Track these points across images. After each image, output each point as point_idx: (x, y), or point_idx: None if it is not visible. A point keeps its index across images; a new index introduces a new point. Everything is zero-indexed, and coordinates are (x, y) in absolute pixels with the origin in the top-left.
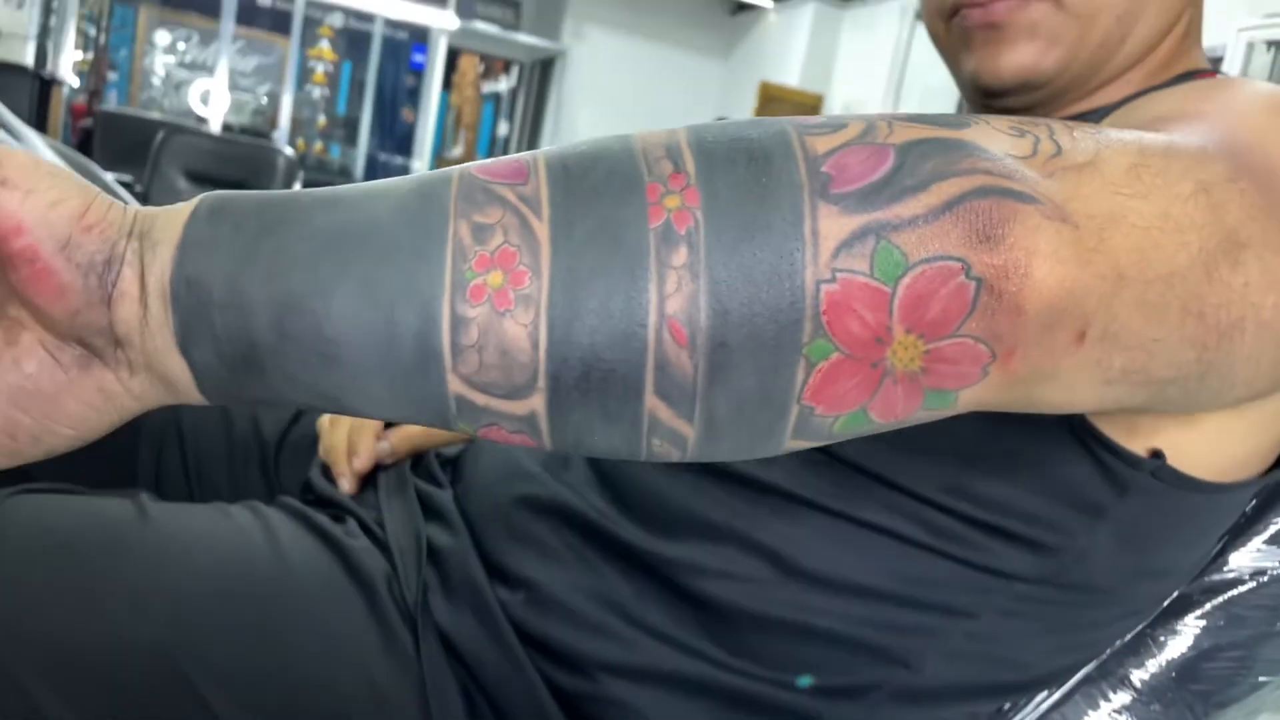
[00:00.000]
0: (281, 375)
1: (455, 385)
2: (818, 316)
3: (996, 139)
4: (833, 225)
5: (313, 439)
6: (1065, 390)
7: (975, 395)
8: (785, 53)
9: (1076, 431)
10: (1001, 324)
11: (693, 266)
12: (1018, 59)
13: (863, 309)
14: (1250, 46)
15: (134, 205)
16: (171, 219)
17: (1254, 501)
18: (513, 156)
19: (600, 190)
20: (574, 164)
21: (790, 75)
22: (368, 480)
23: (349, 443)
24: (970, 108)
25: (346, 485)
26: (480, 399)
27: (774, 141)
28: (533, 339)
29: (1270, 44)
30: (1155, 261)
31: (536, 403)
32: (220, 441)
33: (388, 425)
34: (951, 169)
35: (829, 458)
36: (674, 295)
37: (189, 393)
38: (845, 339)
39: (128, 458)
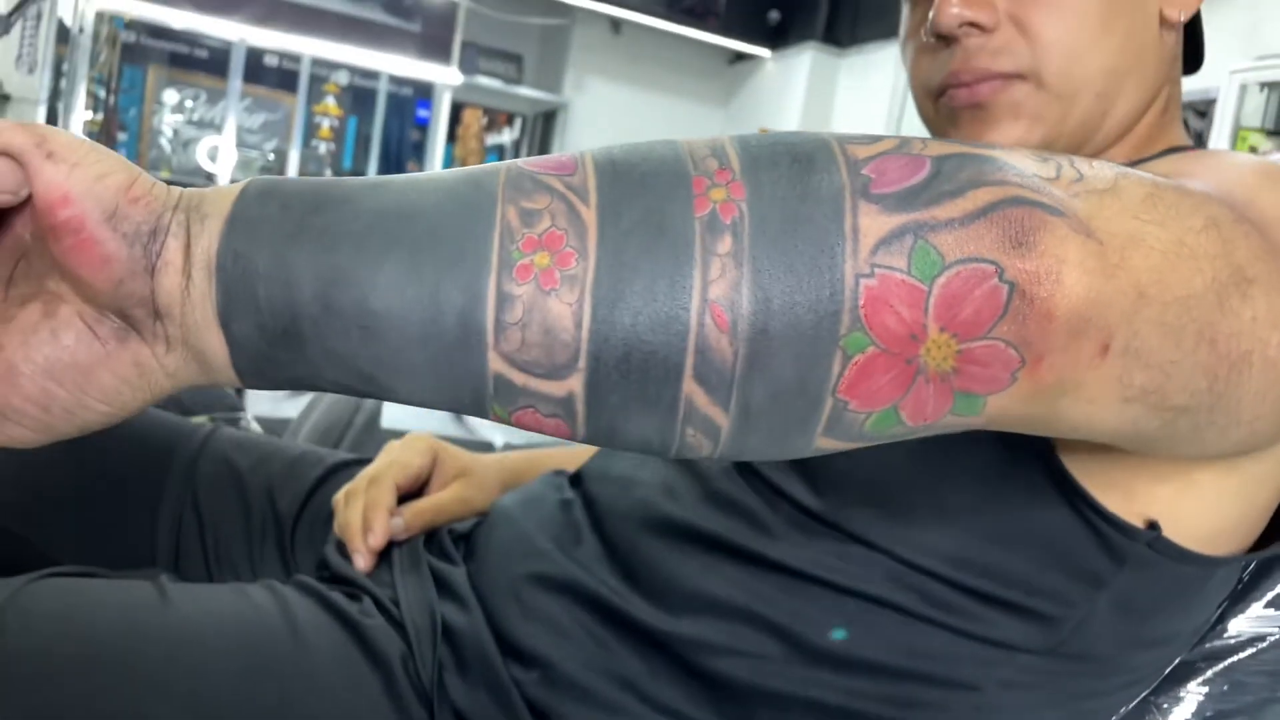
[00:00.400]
0: (321, 349)
1: (496, 363)
2: (856, 310)
3: (1023, 160)
4: (873, 223)
5: (328, 515)
6: (1087, 405)
7: (1002, 404)
8: (784, 100)
9: (1073, 500)
10: (1032, 329)
11: (737, 255)
12: (1002, 138)
13: (899, 305)
14: (1243, 88)
15: (172, 186)
16: (221, 196)
17: (1251, 567)
18: (558, 154)
19: (647, 182)
20: (620, 159)
21: (789, 122)
22: (382, 556)
23: (364, 519)
24: None
25: (361, 562)
26: (519, 378)
27: (815, 145)
28: (576, 318)
29: (1264, 85)
30: (1173, 284)
31: (575, 384)
32: (237, 519)
33: (402, 501)
34: (985, 178)
35: (835, 530)
36: (717, 281)
37: (223, 370)
38: (881, 333)
39: (147, 537)
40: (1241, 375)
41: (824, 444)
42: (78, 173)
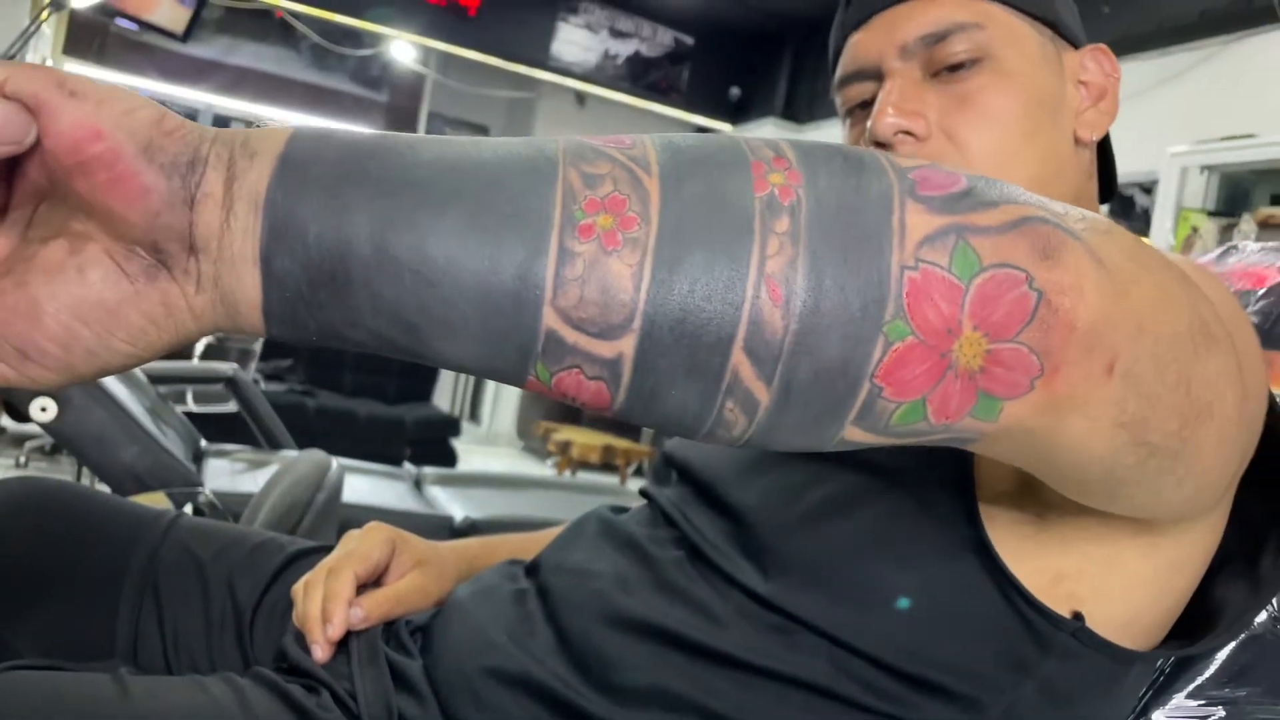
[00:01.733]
0: (368, 294)
1: (550, 318)
2: (900, 298)
3: (1035, 200)
4: (919, 220)
5: (287, 605)
6: (1087, 423)
7: (1016, 413)
8: None
9: (1005, 590)
10: (1054, 338)
11: (794, 235)
12: None
13: (940, 299)
14: (1184, 170)
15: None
16: (271, 135)
17: (1172, 660)
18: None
19: (707, 160)
20: (678, 140)
21: None
22: (340, 647)
23: (323, 610)
24: None
25: (320, 653)
26: (571, 336)
27: (862, 151)
28: (636, 280)
29: (1204, 168)
30: (1164, 321)
31: (627, 345)
32: (196, 609)
33: (361, 590)
34: (1013, 198)
35: (782, 615)
36: (775, 257)
37: (250, 314)
38: (921, 324)
39: (107, 626)
40: (1203, 424)
41: (852, 434)
42: (105, 108)
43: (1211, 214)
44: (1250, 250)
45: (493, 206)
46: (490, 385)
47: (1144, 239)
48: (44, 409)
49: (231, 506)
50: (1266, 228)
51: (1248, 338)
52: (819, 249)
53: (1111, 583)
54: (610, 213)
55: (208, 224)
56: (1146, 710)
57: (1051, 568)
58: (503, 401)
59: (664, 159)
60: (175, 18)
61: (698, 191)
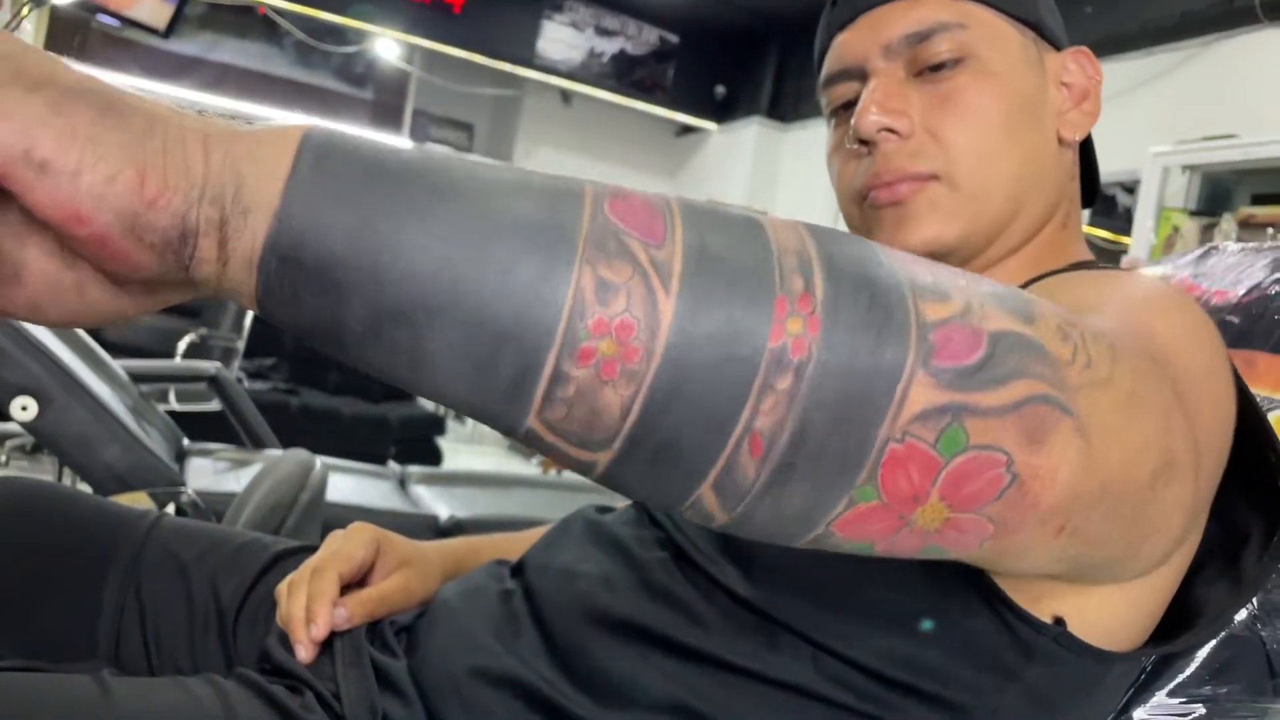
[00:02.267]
0: (360, 363)
1: (534, 422)
2: (876, 468)
3: (1053, 340)
4: (922, 394)
5: (271, 606)
6: (1025, 564)
7: (961, 556)
8: (730, 172)
9: (990, 599)
10: (1015, 513)
11: (793, 394)
12: (922, 233)
13: (915, 471)
14: (1165, 170)
15: (191, 142)
16: (266, 180)
17: (1154, 659)
18: (650, 200)
19: (733, 285)
20: (711, 242)
21: (736, 193)
22: (324, 647)
23: (307, 610)
24: None
25: (304, 654)
26: (550, 438)
27: (894, 294)
28: (625, 409)
29: (1185, 167)
30: (1130, 478)
31: (603, 458)
32: (180, 610)
33: (345, 590)
34: (1027, 369)
35: (766, 619)
36: (766, 415)
37: (249, 303)
38: (890, 491)
39: (89, 628)
40: (1149, 544)
41: (803, 546)
42: (82, 183)
43: (1193, 213)
44: (1231, 250)
45: (494, 310)
46: None
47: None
48: (24, 408)
49: (214, 506)
50: (1247, 227)
51: (1208, 367)
52: (812, 415)
53: (1091, 603)
54: (616, 339)
55: (205, 277)
56: (1128, 708)
57: (1032, 589)
58: None
59: (688, 270)
60: (157, 14)
61: (710, 331)
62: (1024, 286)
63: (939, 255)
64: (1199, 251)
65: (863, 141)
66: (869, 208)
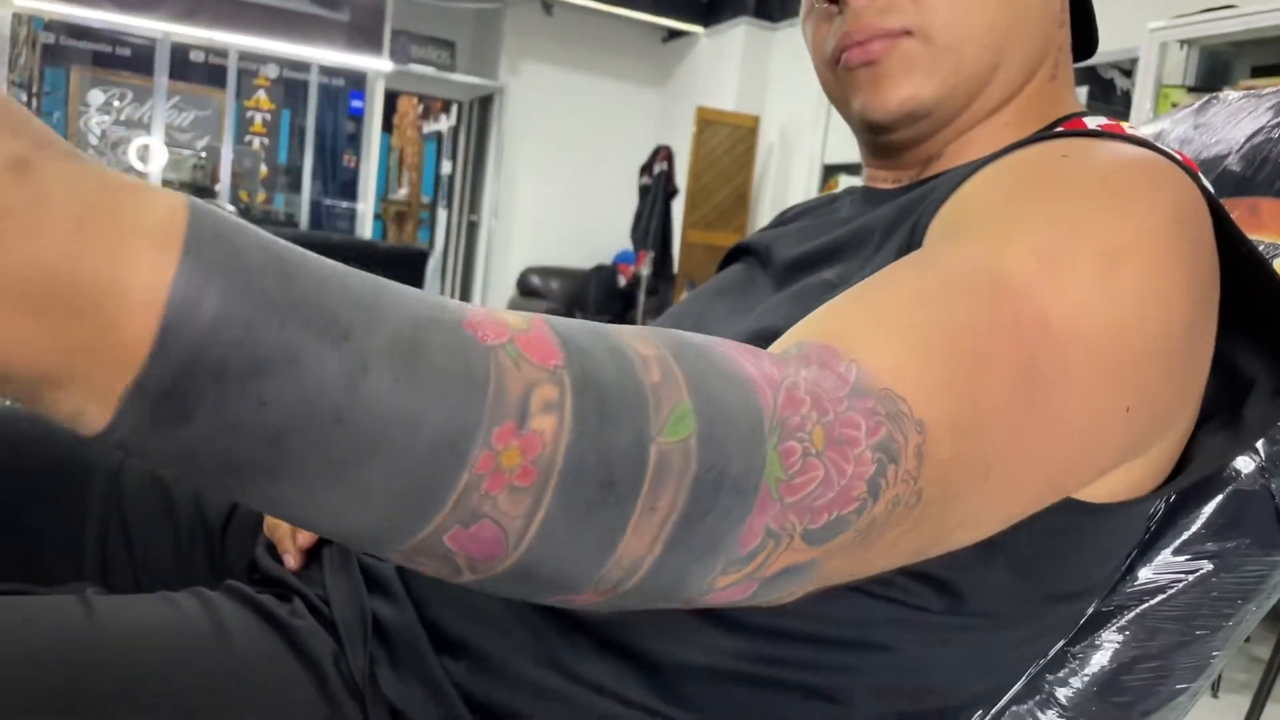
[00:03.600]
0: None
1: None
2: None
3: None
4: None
5: (258, 518)
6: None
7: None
8: (719, 76)
9: None
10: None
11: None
12: (899, 92)
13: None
14: (1164, 46)
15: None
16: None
17: (1159, 516)
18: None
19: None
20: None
21: (726, 98)
22: (312, 555)
23: None
24: (861, 145)
25: (291, 562)
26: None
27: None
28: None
29: (1183, 42)
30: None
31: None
32: (164, 527)
33: None
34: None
35: None
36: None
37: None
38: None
39: (74, 548)
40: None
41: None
42: None
43: (1191, 89)
44: (1232, 99)
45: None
46: (477, 296)
47: None
48: None
49: None
50: None
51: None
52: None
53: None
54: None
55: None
56: (1133, 568)
57: None
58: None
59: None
60: None
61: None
62: (997, 157)
63: (916, 115)
64: (1198, 103)
65: (832, 0)
66: (843, 70)
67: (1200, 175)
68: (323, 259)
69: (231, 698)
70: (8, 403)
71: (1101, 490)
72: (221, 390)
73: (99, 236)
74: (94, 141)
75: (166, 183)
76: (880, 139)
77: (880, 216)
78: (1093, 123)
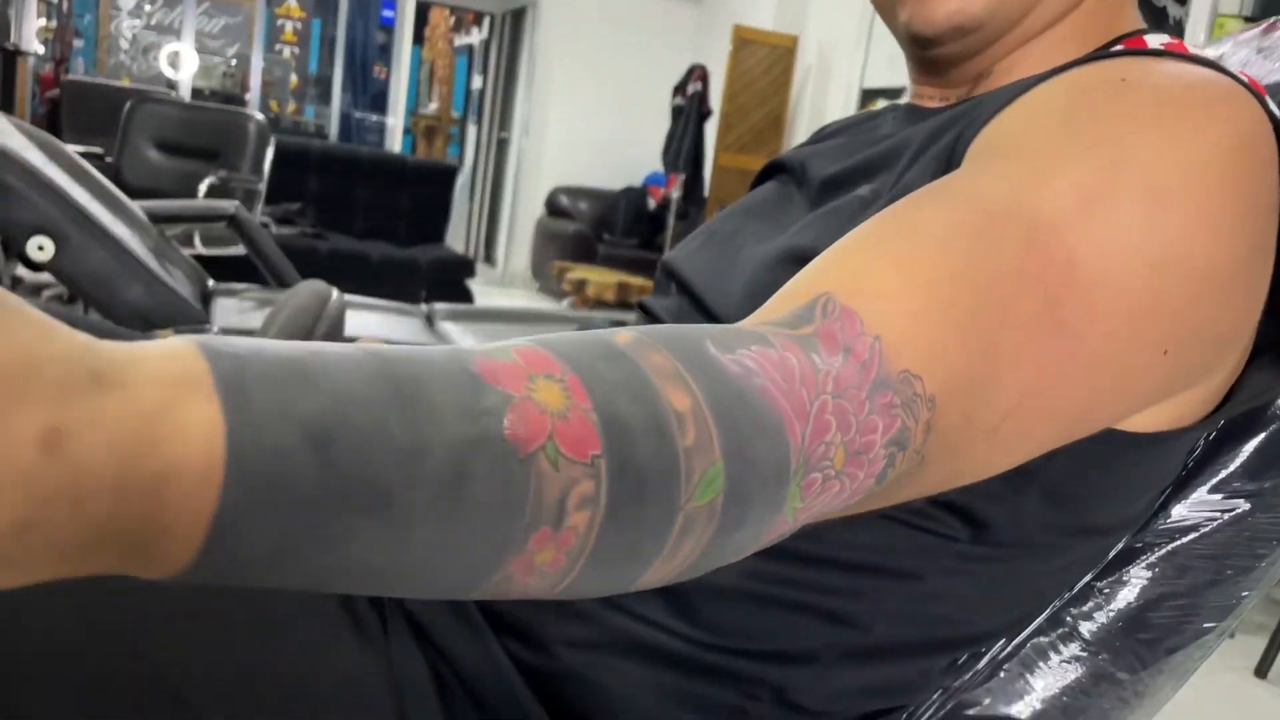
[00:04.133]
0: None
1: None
2: None
3: None
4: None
5: None
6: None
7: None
8: None
9: None
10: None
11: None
12: (947, 5)
13: None
14: None
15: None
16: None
17: (1197, 453)
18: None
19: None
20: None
21: (764, 17)
22: None
23: None
24: (908, 60)
25: None
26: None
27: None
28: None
29: None
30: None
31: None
32: None
33: None
34: None
35: None
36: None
37: None
38: None
39: None
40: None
41: None
42: None
43: (1248, 19)
44: None
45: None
46: (504, 226)
47: None
48: (41, 248)
49: None
50: None
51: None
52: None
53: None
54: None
55: None
56: (1166, 505)
57: None
58: (517, 241)
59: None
60: None
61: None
62: (1050, 75)
63: (965, 28)
64: (1264, 25)
65: None
66: None
67: (1267, 99)
68: (348, 367)
69: (249, 604)
70: None
71: (1143, 421)
72: (264, 575)
73: (139, 499)
74: (124, 46)
75: (197, 91)
76: (927, 54)
77: (919, 131)
78: (1154, 41)
